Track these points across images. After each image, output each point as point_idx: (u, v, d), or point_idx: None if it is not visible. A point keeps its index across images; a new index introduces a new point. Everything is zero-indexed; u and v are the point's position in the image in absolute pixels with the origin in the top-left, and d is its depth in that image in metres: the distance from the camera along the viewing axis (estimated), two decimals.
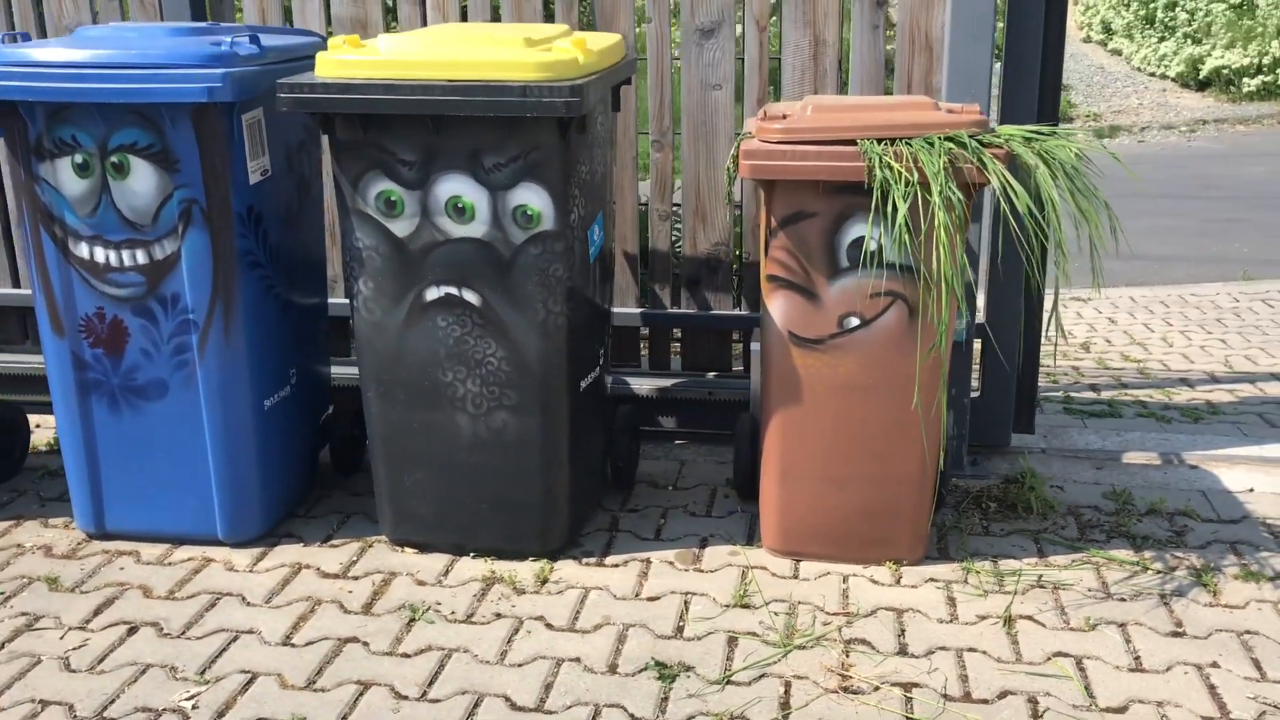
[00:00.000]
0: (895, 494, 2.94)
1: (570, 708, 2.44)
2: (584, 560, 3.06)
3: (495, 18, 3.64)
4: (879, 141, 2.65)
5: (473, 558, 3.06)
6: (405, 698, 2.48)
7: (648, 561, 3.05)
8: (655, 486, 3.49)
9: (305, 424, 3.37)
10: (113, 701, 2.47)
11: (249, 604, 2.85)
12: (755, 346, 3.37)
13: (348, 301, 2.98)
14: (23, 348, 4.09)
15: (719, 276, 3.72)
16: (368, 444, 3.10)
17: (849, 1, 3.45)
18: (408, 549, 3.11)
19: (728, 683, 2.52)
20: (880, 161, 2.59)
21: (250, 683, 2.53)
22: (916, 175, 2.55)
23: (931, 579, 2.94)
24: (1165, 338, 5.42)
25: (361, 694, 2.49)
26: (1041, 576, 2.94)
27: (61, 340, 3.00)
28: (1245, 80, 14.09)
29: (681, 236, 3.74)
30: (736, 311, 3.75)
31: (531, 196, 2.76)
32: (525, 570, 3.00)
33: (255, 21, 3.70)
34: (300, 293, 3.26)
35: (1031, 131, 2.66)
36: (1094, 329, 5.60)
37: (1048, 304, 3.09)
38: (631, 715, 2.41)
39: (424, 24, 3.66)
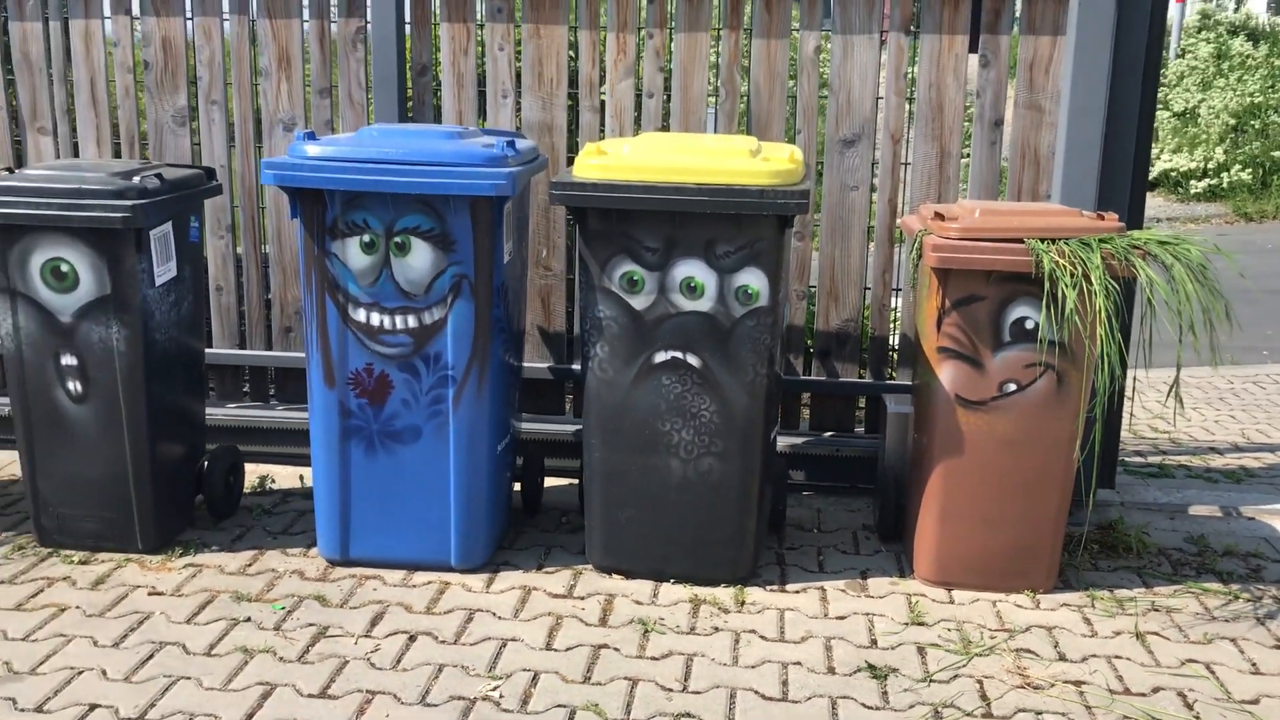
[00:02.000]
0: (1036, 533, 3.53)
1: (810, 699, 2.97)
2: (768, 587, 3.59)
3: (665, 125, 4.24)
4: (1041, 240, 3.29)
5: (672, 583, 3.58)
6: (671, 689, 2.98)
7: (822, 589, 3.59)
8: (802, 529, 4.04)
9: (510, 469, 3.88)
10: (428, 692, 2.94)
11: (500, 618, 3.34)
12: (893, 408, 3.98)
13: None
14: (241, 402, 4.55)
15: (847, 348, 4.32)
16: (584, 483, 3.63)
17: (969, 121, 4.12)
18: (615, 575, 3.63)
19: (931, 681, 3.06)
20: (1048, 257, 3.22)
21: (535, 679, 3.02)
22: (1081, 269, 3.18)
23: (1065, 604, 3.52)
24: (1181, 414, 6.11)
25: (634, 687, 2.99)
26: (1154, 603, 3.54)
27: (331, 391, 3.50)
28: (1192, 182, 15.17)
29: (815, 313, 4.34)
30: (864, 379, 4.35)
31: (752, 278, 3.34)
32: (722, 594, 3.52)
33: (454, 122, 4.27)
34: (516, 356, 3.80)
35: (1167, 236, 3.31)
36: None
37: (1140, 378, 3.71)
38: (863, 704, 2.95)
39: (602, 129, 4.25)
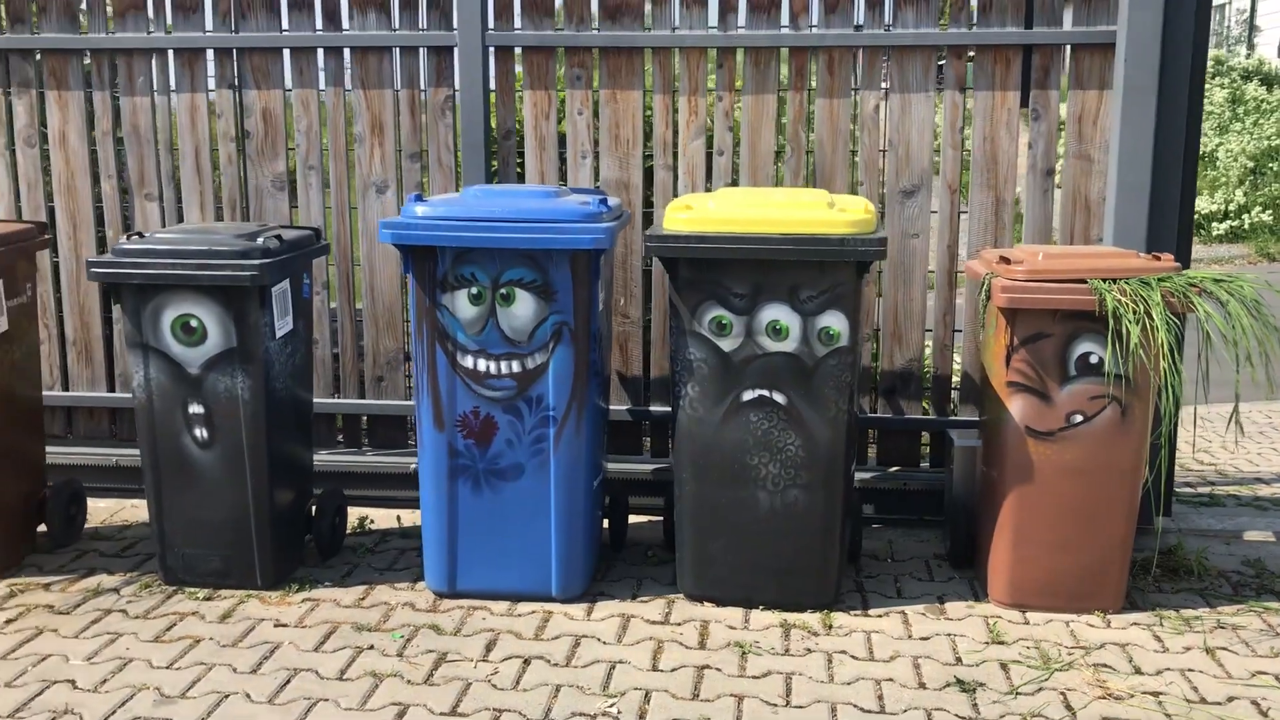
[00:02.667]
0: (1104, 556, 3.74)
1: (906, 711, 3.18)
2: (851, 612, 3.80)
3: (735, 180, 4.51)
4: (1103, 280, 3.53)
5: (761, 610, 3.80)
6: (776, 705, 3.20)
7: (903, 613, 3.80)
8: (877, 559, 4.26)
9: (601, 506, 4.11)
10: (550, 710, 3.16)
11: (605, 643, 3.56)
12: (960, 442, 4.21)
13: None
14: (333, 449, 4.80)
15: (910, 387, 4.56)
16: (674, 516, 3.85)
17: (1024, 172, 4.38)
18: (706, 603, 3.84)
19: (1017, 694, 3.27)
20: (1111, 296, 3.46)
21: (648, 697, 3.24)
22: (1143, 306, 3.42)
23: (1135, 623, 3.72)
24: (1224, 445, 6.31)
25: (740, 703, 3.20)
26: (1219, 621, 3.74)
27: (440, 433, 3.75)
28: (1214, 224, 15.42)
29: (880, 354, 4.58)
30: (928, 416, 4.58)
31: (834, 320, 3.59)
32: (810, 619, 3.74)
33: (536, 181, 4.55)
34: (605, 399, 4.05)
35: (1220, 275, 3.55)
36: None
37: (1187, 413, 3.93)
38: (956, 715, 3.15)
39: (676, 186, 4.53)
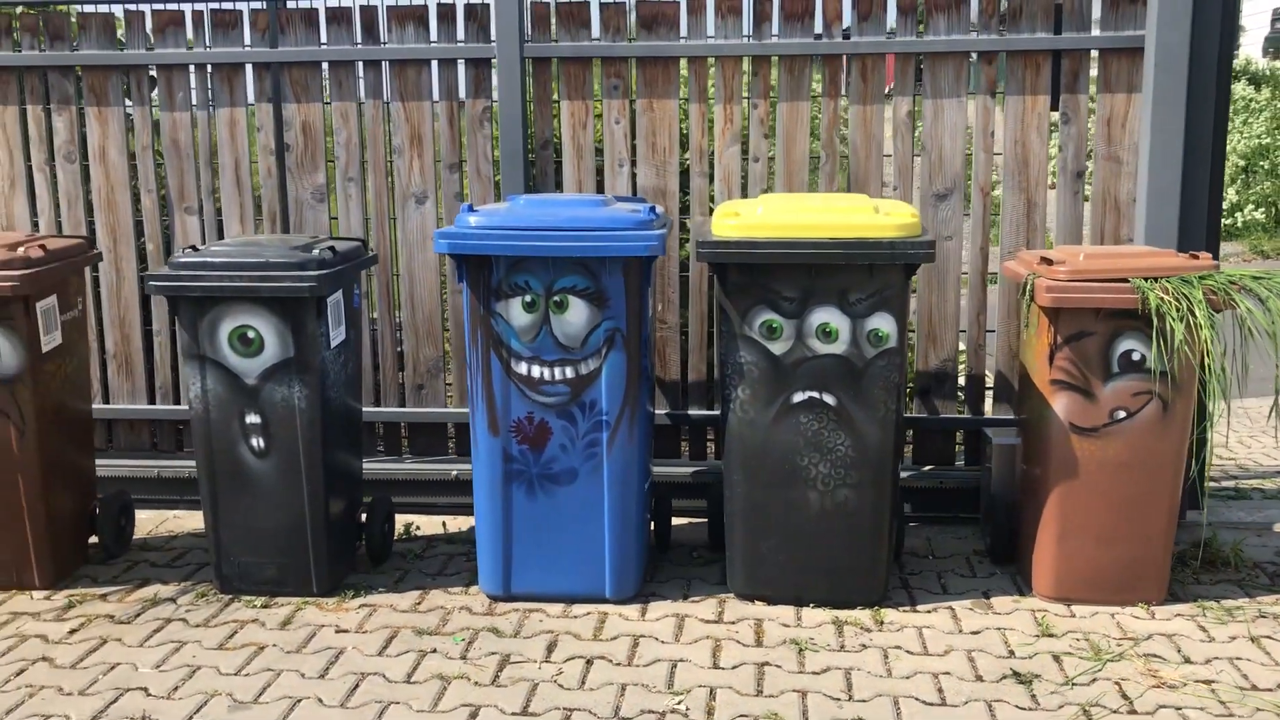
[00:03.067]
0: (1147, 549, 3.82)
1: (967, 703, 3.25)
2: (900, 608, 3.88)
3: (769, 186, 4.59)
4: (1145, 279, 3.62)
5: (812, 607, 3.87)
6: (839, 699, 3.26)
7: (951, 608, 3.87)
8: (918, 556, 4.33)
9: (650, 509, 4.18)
10: (619, 708, 3.22)
11: (663, 643, 3.63)
12: (999, 440, 4.28)
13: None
14: (372, 457, 4.85)
15: (945, 386, 4.63)
16: (725, 517, 3.92)
17: (1054, 173, 4.47)
18: (757, 601, 3.91)
19: (1073, 684, 3.34)
20: (1153, 294, 3.55)
21: (713, 694, 3.30)
22: (1186, 304, 3.51)
23: (1178, 614, 3.80)
24: (1241, 441, 6.41)
25: (804, 698, 3.27)
26: (1260, 610, 3.82)
27: (495, 439, 3.81)
28: None
29: (915, 355, 4.65)
30: (962, 415, 4.66)
31: (882, 322, 3.67)
32: (861, 615, 3.81)
33: (573, 190, 4.62)
34: (653, 403, 4.11)
35: (1259, 272, 3.64)
36: None
37: (1210, 409, 4.03)
38: (1016, 706, 3.23)
39: (712, 193, 4.60)
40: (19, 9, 4.74)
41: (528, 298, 3.72)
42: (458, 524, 4.64)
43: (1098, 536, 3.82)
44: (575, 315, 3.72)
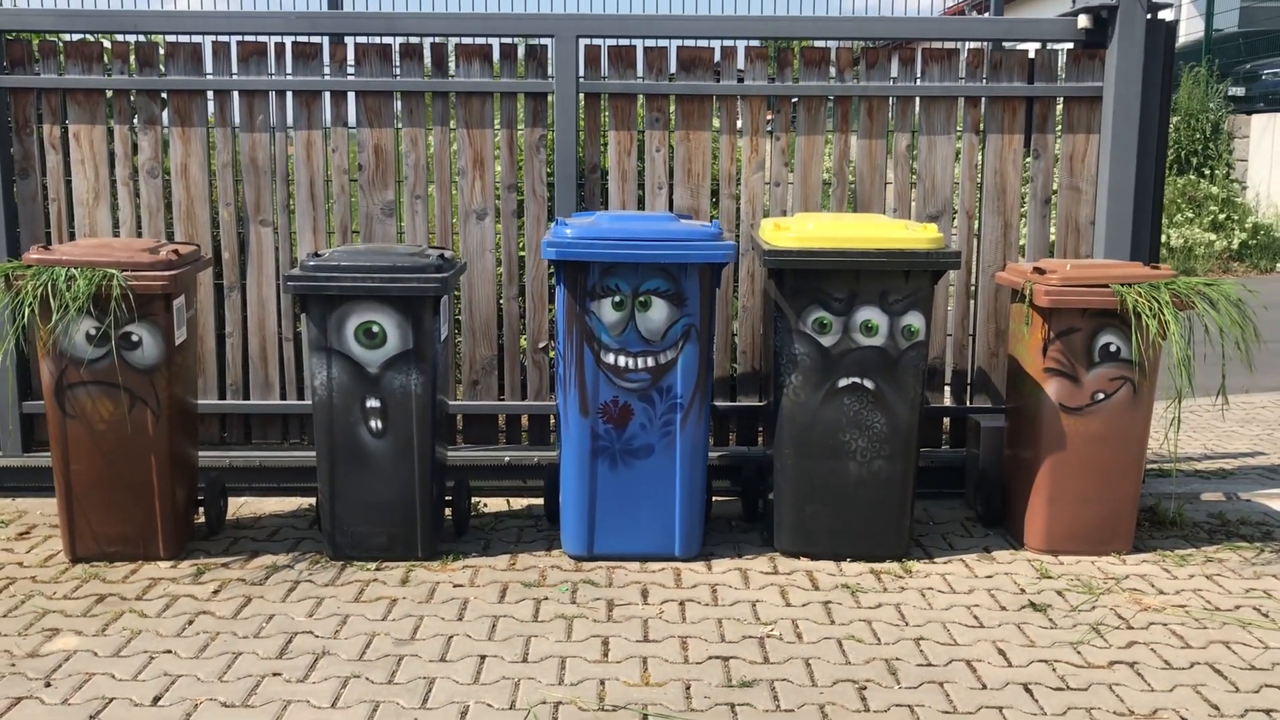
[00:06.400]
0: (1119, 507, 4.66)
1: (1000, 625, 4.00)
2: (921, 561, 4.62)
3: (785, 209, 5.32)
4: (1122, 285, 4.46)
5: (849, 561, 4.58)
6: (898, 625, 3.98)
7: (962, 560, 4.64)
8: (920, 523, 5.09)
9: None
10: (723, 635, 3.87)
11: (736, 589, 4.29)
12: (987, 423, 5.09)
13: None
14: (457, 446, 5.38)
15: (935, 380, 5.43)
16: (775, 485, 4.61)
17: (1025, 200, 5.32)
18: (802, 558, 4.61)
19: (1078, 610, 4.13)
20: (1131, 297, 4.39)
21: (795, 625, 3.98)
22: (1157, 305, 4.36)
23: (1144, 561, 4.65)
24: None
25: (870, 625, 3.98)
26: (1207, 556, 4.69)
27: (585, 419, 4.43)
28: None
29: None
30: (947, 404, 5.46)
31: (914, 319, 4.43)
32: (892, 566, 4.54)
33: (618, 209, 5.27)
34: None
35: (1210, 280, 4.52)
36: None
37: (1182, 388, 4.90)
38: (1039, 627, 3.99)
39: (738, 213, 5.31)
40: (110, 37, 5.19)
41: (617, 298, 4.37)
42: (520, 503, 5.23)
43: (1080, 498, 4.63)
44: (657, 313, 4.38)
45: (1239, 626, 4.01)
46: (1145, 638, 3.91)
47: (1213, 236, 14.69)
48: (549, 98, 5.20)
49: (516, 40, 5.26)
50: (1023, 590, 4.32)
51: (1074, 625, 4.00)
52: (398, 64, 5.21)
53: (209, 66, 5.21)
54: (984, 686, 3.55)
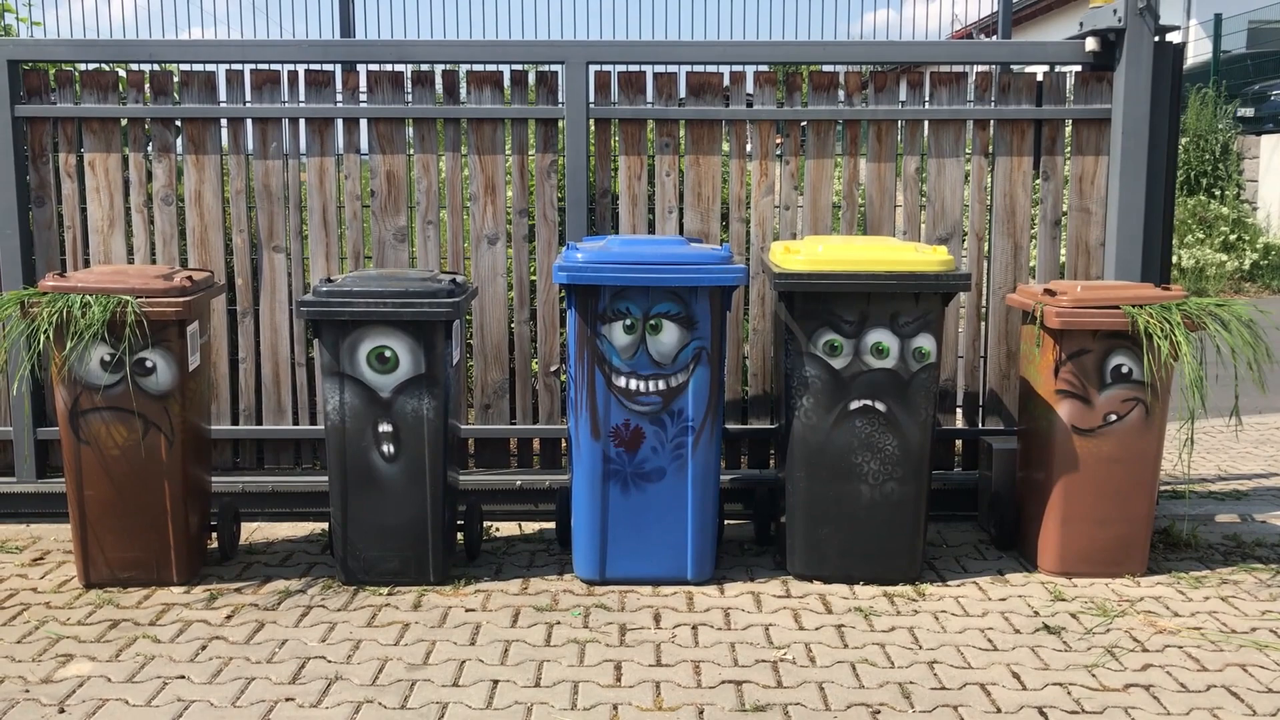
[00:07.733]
0: (1132, 529, 4.64)
1: (1014, 648, 3.98)
2: (934, 584, 4.61)
3: (794, 232, 5.34)
4: (1133, 306, 4.46)
5: (862, 584, 4.57)
6: (911, 648, 3.97)
7: (975, 583, 4.62)
8: (933, 545, 5.08)
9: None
10: (736, 659, 3.87)
11: (749, 613, 4.28)
12: (999, 445, 5.08)
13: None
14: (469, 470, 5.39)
15: (946, 403, 5.42)
16: (787, 507, 4.60)
17: (1035, 222, 5.33)
18: (815, 581, 4.60)
19: (1092, 633, 4.11)
20: (1142, 318, 4.39)
21: (808, 648, 3.97)
22: (1168, 326, 4.35)
23: (1159, 582, 4.63)
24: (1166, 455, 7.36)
25: (884, 648, 3.96)
26: (1222, 578, 4.67)
27: (596, 443, 4.44)
28: None
29: None
30: (959, 426, 5.45)
31: (925, 341, 4.43)
32: (905, 590, 4.53)
33: (628, 233, 5.30)
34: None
35: (1221, 301, 4.52)
36: None
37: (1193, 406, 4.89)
38: (1053, 649, 3.97)
39: (748, 236, 5.33)
40: (125, 66, 5.24)
41: (628, 321, 4.38)
42: (531, 527, 5.23)
43: (1094, 520, 4.62)
44: (668, 336, 4.39)
45: (1255, 649, 3.99)
46: (1160, 660, 3.89)
47: (1224, 257, 14.66)
48: (560, 123, 5.23)
49: (527, 67, 5.30)
50: (1036, 613, 4.30)
51: (1088, 648, 3.99)
52: (409, 91, 5.25)
53: (223, 94, 5.26)
54: (998, 710, 3.54)
